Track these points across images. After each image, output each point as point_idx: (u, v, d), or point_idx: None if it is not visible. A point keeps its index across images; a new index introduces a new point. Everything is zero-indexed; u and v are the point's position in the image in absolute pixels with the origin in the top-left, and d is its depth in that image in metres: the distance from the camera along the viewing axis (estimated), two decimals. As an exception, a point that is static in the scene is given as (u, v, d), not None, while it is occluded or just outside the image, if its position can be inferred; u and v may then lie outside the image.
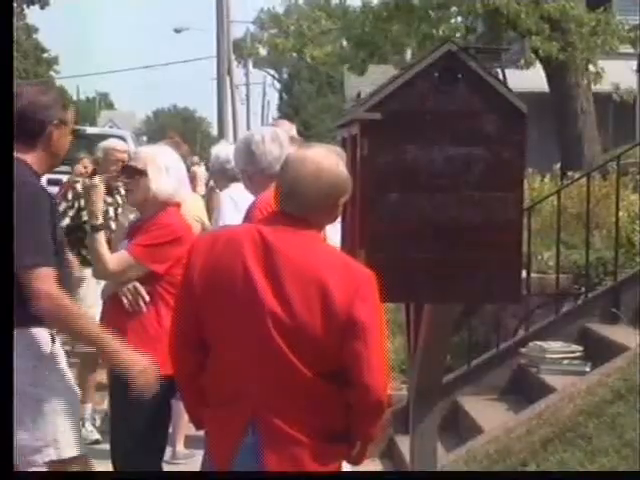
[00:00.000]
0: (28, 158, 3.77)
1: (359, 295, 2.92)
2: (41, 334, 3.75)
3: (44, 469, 3.73)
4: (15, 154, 3.74)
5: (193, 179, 7.88)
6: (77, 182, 6.79)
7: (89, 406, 6.79)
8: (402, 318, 4.28)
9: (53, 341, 3.79)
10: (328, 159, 3.00)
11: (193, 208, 5.78)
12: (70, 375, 3.88)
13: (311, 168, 2.97)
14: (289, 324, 2.91)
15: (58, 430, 3.75)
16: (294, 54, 17.78)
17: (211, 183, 7.96)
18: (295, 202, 2.99)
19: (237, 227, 3.18)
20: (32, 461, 3.75)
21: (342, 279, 2.93)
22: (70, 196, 6.76)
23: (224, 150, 6.05)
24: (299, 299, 2.91)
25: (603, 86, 15.25)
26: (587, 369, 6.20)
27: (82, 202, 6.44)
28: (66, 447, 3.76)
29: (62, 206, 6.64)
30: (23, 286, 3.59)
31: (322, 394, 2.97)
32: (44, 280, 3.55)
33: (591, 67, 14.77)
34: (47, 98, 3.85)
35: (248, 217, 4.31)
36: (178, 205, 4.61)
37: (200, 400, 3.11)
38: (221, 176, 5.96)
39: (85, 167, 7.87)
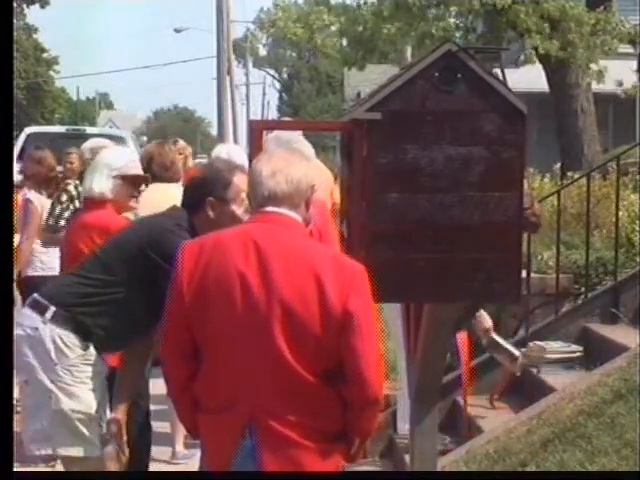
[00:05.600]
0: (194, 224, 3.87)
1: (353, 289, 2.94)
2: (73, 340, 3.83)
3: (37, 461, 3.82)
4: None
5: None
6: (69, 184, 6.80)
7: None
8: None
9: (85, 349, 3.85)
10: (292, 151, 3.23)
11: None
12: (91, 384, 3.88)
13: (283, 158, 3.09)
14: (288, 325, 2.91)
15: (58, 429, 3.81)
16: (295, 53, 17.83)
17: None
18: (277, 193, 3.01)
19: (223, 232, 3.17)
20: (28, 450, 3.89)
21: (335, 274, 2.94)
22: (64, 198, 6.73)
23: (217, 150, 6.25)
24: (296, 298, 2.91)
25: (605, 85, 15.24)
26: (587, 369, 6.19)
27: (77, 203, 6.46)
28: (62, 445, 3.83)
29: (57, 209, 6.64)
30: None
31: (320, 395, 2.97)
32: None
33: (593, 66, 14.76)
34: (204, 174, 4.00)
35: None
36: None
37: (194, 408, 3.10)
38: None
39: (72, 163, 7.88)
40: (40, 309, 3.84)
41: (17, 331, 3.87)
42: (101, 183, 4.71)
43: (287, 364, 2.91)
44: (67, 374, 3.79)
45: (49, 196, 7.49)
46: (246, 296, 2.93)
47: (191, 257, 3.03)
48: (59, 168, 7.75)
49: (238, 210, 3.86)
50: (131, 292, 3.83)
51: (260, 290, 2.92)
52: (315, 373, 2.94)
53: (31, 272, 7.21)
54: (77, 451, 3.83)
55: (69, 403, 3.80)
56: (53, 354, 3.79)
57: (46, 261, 7.41)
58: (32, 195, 7.14)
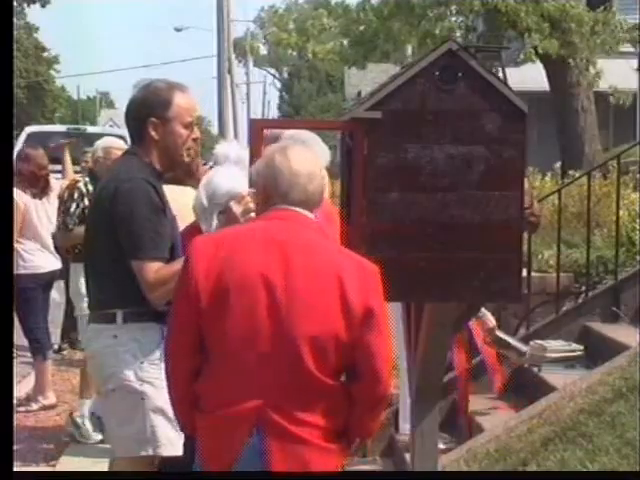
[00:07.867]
0: (145, 156, 3.82)
1: (371, 287, 2.95)
2: (152, 331, 3.79)
3: (140, 462, 3.78)
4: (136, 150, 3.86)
5: None
6: (79, 181, 6.81)
7: (88, 402, 6.62)
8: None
9: (161, 339, 3.77)
10: (303, 148, 3.17)
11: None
12: None
13: (300, 157, 3.05)
14: (309, 324, 2.90)
15: (158, 428, 3.77)
16: (295, 52, 17.84)
17: None
18: (297, 193, 3.00)
19: (240, 229, 3.15)
20: (130, 451, 3.82)
21: (356, 273, 2.95)
22: (76, 195, 6.71)
23: (220, 148, 6.20)
24: (318, 297, 2.91)
25: (603, 86, 15.25)
26: (588, 368, 6.19)
27: (86, 201, 6.44)
28: (164, 445, 3.79)
29: (72, 207, 6.62)
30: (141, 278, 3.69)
31: (333, 394, 2.96)
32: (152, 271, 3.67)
33: (590, 68, 14.78)
34: (143, 95, 3.90)
35: None
36: None
37: (194, 405, 3.06)
38: None
39: (86, 161, 7.92)
40: (107, 319, 3.78)
41: (93, 346, 3.85)
42: None
43: (301, 363, 2.90)
44: (154, 368, 3.74)
45: (34, 195, 7.50)
46: (268, 294, 2.90)
47: (205, 255, 2.98)
48: (52, 167, 7.76)
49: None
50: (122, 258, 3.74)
51: (282, 288, 2.90)
52: (330, 372, 2.94)
53: (14, 270, 7.22)
54: (178, 448, 3.79)
55: (162, 397, 3.67)
56: (138, 352, 3.74)
57: (28, 259, 7.41)
58: (15, 192, 7.12)
